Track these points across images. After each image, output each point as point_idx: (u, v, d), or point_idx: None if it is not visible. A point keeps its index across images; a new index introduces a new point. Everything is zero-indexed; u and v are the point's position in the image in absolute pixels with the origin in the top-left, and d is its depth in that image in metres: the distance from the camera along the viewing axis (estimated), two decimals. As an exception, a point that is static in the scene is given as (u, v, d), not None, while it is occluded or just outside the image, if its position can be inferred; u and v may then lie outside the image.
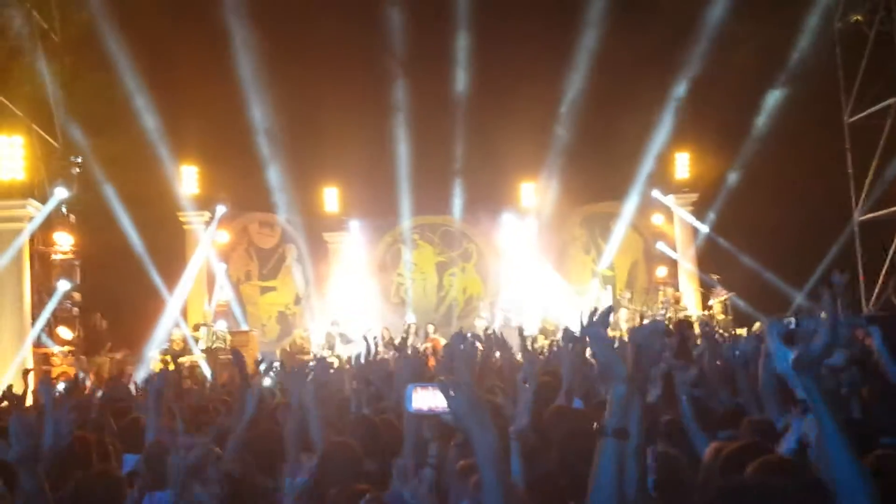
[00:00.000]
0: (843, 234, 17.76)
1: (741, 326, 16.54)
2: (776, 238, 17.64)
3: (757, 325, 14.15)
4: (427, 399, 2.39)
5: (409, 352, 12.00)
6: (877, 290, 16.75)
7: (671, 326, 12.75)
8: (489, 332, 13.13)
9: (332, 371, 9.27)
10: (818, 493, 2.08)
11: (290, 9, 17.53)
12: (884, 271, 16.70)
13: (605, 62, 17.47)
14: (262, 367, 8.59)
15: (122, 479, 4.11)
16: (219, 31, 16.57)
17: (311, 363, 12.86)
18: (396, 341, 15.17)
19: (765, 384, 4.36)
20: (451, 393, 2.29)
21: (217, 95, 17.40)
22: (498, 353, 9.19)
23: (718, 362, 6.06)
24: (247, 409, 4.92)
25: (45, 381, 4.49)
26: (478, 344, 10.08)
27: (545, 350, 13.17)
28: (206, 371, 15.73)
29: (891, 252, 16.83)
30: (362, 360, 8.02)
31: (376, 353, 7.98)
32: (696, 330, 14.44)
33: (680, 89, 18.36)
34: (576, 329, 7.31)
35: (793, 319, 5.20)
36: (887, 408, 3.98)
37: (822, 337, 2.18)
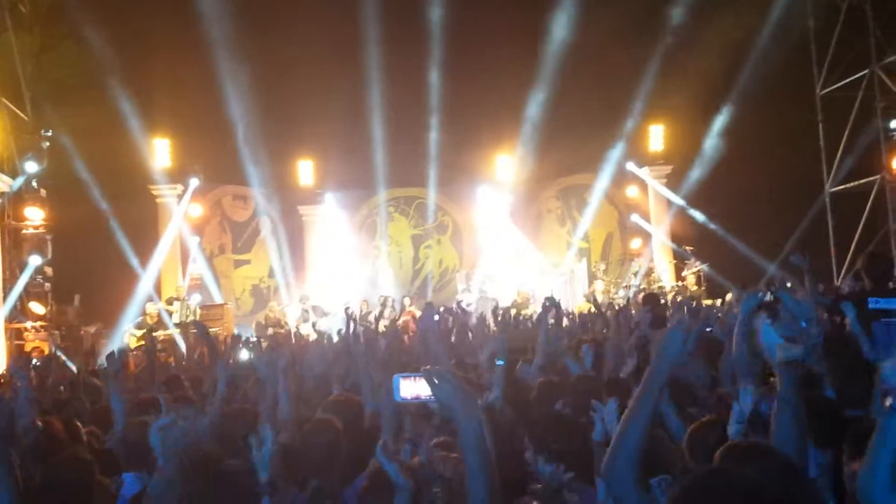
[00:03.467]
0: (815, 205, 17.94)
1: (714, 297, 16.72)
2: (749, 209, 17.82)
3: (729, 295, 14.28)
4: (413, 388, 2.46)
5: (382, 326, 12.01)
6: (847, 262, 16.97)
7: (641, 299, 12.86)
8: (466, 305, 13.15)
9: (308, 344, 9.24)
10: (788, 476, 2.12)
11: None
12: (854, 242, 16.90)
13: (579, 35, 17.41)
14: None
15: (92, 463, 4.01)
16: (191, 2, 16.30)
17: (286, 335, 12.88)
18: (374, 315, 15.18)
19: (738, 357, 4.34)
20: (436, 381, 2.32)
21: (190, 67, 17.14)
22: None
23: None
24: (218, 388, 4.91)
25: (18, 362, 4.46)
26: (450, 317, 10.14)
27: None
28: (181, 345, 15.66)
29: (861, 223, 17.03)
30: (338, 336, 8.00)
31: (356, 328, 7.91)
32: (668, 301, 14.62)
33: (654, 62, 18.34)
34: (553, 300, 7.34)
35: (768, 293, 5.28)
36: (858, 382, 4.06)
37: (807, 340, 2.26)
